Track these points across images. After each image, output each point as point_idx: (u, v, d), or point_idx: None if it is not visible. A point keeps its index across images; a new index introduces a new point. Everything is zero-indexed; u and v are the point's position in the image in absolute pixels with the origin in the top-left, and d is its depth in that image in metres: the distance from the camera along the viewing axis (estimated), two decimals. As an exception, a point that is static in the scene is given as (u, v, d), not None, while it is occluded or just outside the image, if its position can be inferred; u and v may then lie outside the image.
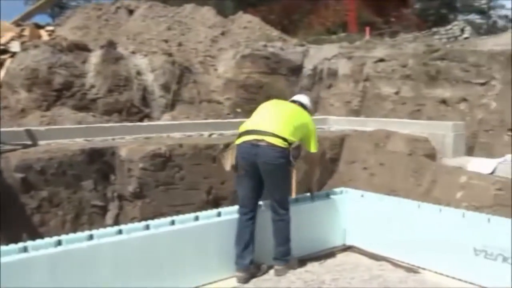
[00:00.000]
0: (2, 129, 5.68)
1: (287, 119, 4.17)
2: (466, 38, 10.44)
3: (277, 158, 3.96)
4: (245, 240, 4.09)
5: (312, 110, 4.73)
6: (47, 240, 3.46)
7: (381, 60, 9.20)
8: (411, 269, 4.42)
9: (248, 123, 4.21)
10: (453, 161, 6.28)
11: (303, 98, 4.67)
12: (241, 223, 4.13)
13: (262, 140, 3.96)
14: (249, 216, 4.14)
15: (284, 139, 4.01)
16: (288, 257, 4.29)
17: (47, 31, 9.79)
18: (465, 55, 7.85)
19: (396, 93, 8.74)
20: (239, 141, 4.10)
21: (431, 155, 6.44)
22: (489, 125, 7.25)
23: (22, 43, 8.47)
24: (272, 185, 4.14)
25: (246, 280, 4.05)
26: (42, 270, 3.28)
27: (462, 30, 10.90)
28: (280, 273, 4.20)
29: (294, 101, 4.57)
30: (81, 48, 8.29)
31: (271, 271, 4.29)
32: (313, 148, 4.40)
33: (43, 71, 7.60)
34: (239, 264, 4.07)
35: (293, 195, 4.35)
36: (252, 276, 4.12)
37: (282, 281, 4.10)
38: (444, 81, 8.01)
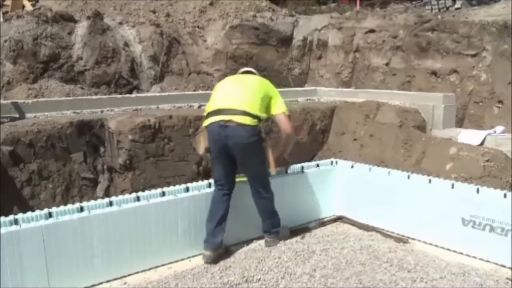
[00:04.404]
0: (-12, 102, 5.59)
1: (252, 92, 4.03)
2: (457, 8, 10.34)
3: (248, 137, 3.85)
4: (219, 217, 4.02)
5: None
6: (37, 212, 3.45)
7: (372, 31, 9.11)
8: (401, 239, 4.48)
9: (213, 103, 4.06)
10: (443, 132, 6.30)
11: (252, 69, 4.54)
12: (216, 198, 4.08)
13: (230, 121, 3.83)
14: (225, 191, 4.08)
15: (253, 116, 3.88)
16: (277, 229, 4.30)
17: (30, 1, 9.55)
18: (456, 26, 7.79)
19: (387, 64, 8.70)
20: (206, 122, 3.99)
21: (421, 127, 6.46)
22: (479, 97, 7.27)
23: (4, 13, 8.26)
24: (248, 164, 4.07)
25: (214, 260, 3.96)
26: (33, 243, 3.28)
27: (454, 1, 10.80)
28: (270, 244, 4.22)
29: (246, 72, 4.43)
30: (66, 19, 8.10)
31: (262, 241, 4.33)
32: (283, 109, 4.19)
33: (28, 43, 7.44)
34: (209, 242, 3.99)
35: (273, 171, 4.24)
36: (219, 257, 4.01)
37: (273, 251, 4.14)
38: (435, 53, 7.98)
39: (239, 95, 3.98)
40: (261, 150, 4.05)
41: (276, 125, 4.50)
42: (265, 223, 4.26)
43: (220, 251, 4.04)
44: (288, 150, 4.44)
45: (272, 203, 4.25)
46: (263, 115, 4.00)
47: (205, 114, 4.09)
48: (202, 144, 4.13)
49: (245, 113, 3.84)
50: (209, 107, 4.07)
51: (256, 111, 3.90)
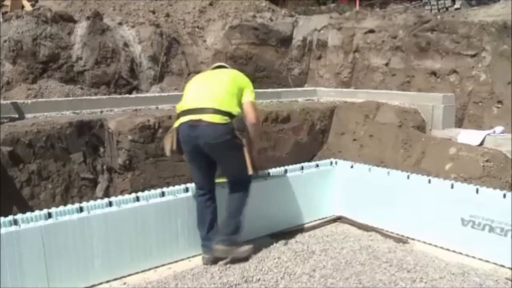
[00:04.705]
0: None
1: (222, 88, 3.86)
2: (457, 9, 10.34)
3: (219, 136, 3.68)
4: (208, 221, 3.94)
5: None
6: (37, 213, 3.45)
7: (371, 31, 9.12)
8: (400, 240, 4.48)
9: (183, 102, 3.91)
10: (443, 132, 6.31)
11: (224, 63, 4.42)
12: (201, 204, 3.98)
13: (199, 120, 3.67)
14: (207, 196, 3.97)
15: (224, 113, 3.70)
16: (234, 237, 3.93)
17: (29, 1, 9.55)
18: (455, 26, 7.79)
19: (386, 64, 8.70)
20: (177, 123, 3.82)
21: (421, 127, 6.46)
22: (479, 97, 7.27)
23: (4, 13, 8.26)
24: (224, 164, 3.92)
25: (213, 262, 3.91)
26: (33, 243, 3.27)
27: (453, 1, 10.80)
28: (219, 254, 3.88)
29: (218, 66, 4.30)
30: (66, 19, 8.09)
31: (262, 242, 4.33)
32: (250, 97, 3.95)
33: (28, 43, 7.43)
34: (206, 247, 3.93)
35: (250, 171, 3.85)
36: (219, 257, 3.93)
37: (273, 251, 4.14)
38: (434, 53, 7.98)
39: (208, 93, 3.83)
40: (236, 148, 3.77)
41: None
42: (224, 223, 3.96)
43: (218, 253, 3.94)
44: (253, 143, 4.03)
45: (243, 202, 3.98)
46: (236, 110, 3.80)
47: (176, 113, 3.96)
48: (169, 145, 3.91)
49: (215, 111, 3.68)
50: (180, 107, 3.93)
51: (227, 107, 3.73)
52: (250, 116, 3.91)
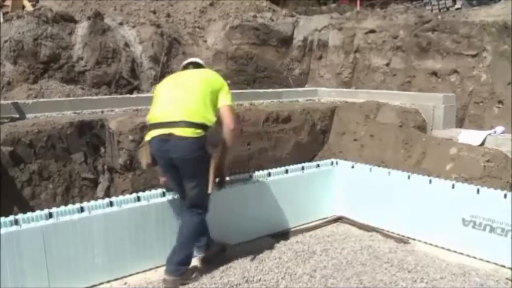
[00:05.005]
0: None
1: (195, 95, 3.55)
2: (458, 9, 10.35)
3: (191, 152, 3.44)
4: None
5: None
6: (38, 213, 3.46)
7: (372, 31, 9.11)
8: (401, 240, 4.49)
9: (154, 114, 3.64)
10: (443, 133, 6.30)
11: (197, 59, 4.15)
12: (184, 214, 3.78)
13: (170, 134, 3.43)
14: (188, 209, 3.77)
15: (197, 125, 3.43)
16: (181, 268, 3.66)
17: (30, 1, 9.56)
18: (456, 26, 7.79)
19: (387, 64, 8.70)
20: (148, 136, 3.61)
21: (422, 127, 6.46)
22: (480, 97, 7.26)
23: (4, 14, 8.27)
24: (188, 180, 3.63)
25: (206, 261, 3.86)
26: (34, 243, 3.28)
27: (454, 1, 10.80)
28: (167, 285, 3.61)
29: (190, 64, 4.02)
30: (67, 19, 8.09)
31: (263, 242, 4.33)
32: (226, 101, 3.67)
33: (29, 43, 7.43)
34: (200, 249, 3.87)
35: (210, 189, 3.61)
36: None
37: (274, 251, 4.14)
38: (435, 53, 7.97)
39: (179, 103, 3.53)
40: (204, 165, 3.53)
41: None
42: (172, 253, 3.69)
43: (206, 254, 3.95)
44: (229, 155, 3.79)
45: (197, 229, 3.75)
46: (210, 120, 3.52)
47: (148, 124, 3.73)
48: (144, 160, 3.70)
49: (186, 124, 3.41)
50: (150, 118, 3.67)
51: (199, 118, 3.45)
52: (227, 122, 3.62)
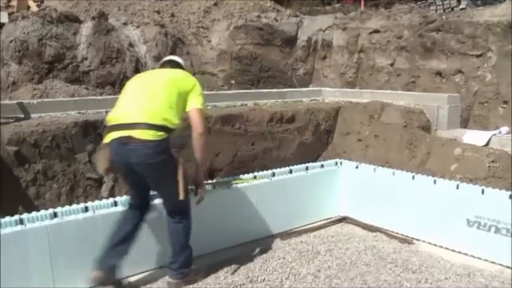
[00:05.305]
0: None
1: (160, 96, 3.31)
2: (462, 9, 10.32)
3: (153, 156, 3.18)
4: (123, 234, 3.45)
5: (187, 70, 3.85)
6: (43, 212, 3.46)
7: (376, 31, 9.10)
8: (405, 240, 4.48)
9: (115, 113, 3.37)
10: (448, 133, 6.29)
11: (176, 57, 3.94)
12: (123, 214, 3.56)
13: (130, 137, 3.16)
14: (135, 211, 3.57)
15: (159, 127, 3.18)
16: (184, 270, 3.57)
17: (35, 1, 9.58)
18: (461, 26, 7.77)
19: (391, 64, 8.68)
20: (107, 139, 3.33)
21: (426, 127, 6.45)
22: (484, 97, 7.24)
23: (10, 14, 8.29)
24: (157, 186, 3.46)
25: (101, 283, 3.38)
26: (39, 242, 3.29)
27: (459, 1, 10.77)
28: (171, 286, 3.57)
29: (167, 62, 3.81)
30: (71, 19, 8.12)
31: (267, 242, 4.32)
32: (197, 104, 3.42)
33: (34, 43, 7.46)
34: (101, 262, 3.38)
35: (181, 196, 3.31)
36: (108, 281, 3.39)
37: (278, 251, 4.14)
38: (440, 53, 7.96)
39: (141, 104, 3.28)
40: (170, 170, 3.28)
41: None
42: (171, 259, 3.58)
43: (110, 278, 3.41)
44: (202, 158, 3.52)
45: (186, 233, 3.56)
46: (174, 123, 3.27)
47: (107, 125, 3.48)
48: (101, 164, 3.49)
49: (147, 126, 3.16)
50: (110, 119, 3.39)
51: (161, 121, 3.20)
52: (196, 125, 3.38)
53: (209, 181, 4.35)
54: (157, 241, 3.86)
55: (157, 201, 3.73)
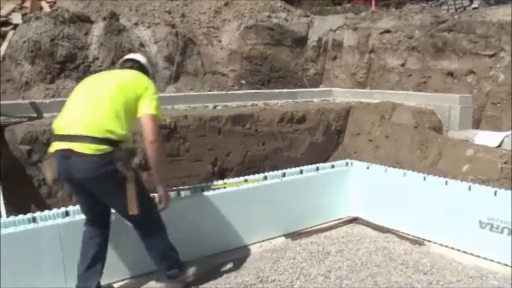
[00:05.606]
0: (7, 102, 5.67)
1: (105, 104, 2.98)
2: (475, 8, 10.25)
3: (94, 170, 2.88)
4: (90, 257, 3.21)
5: (152, 70, 3.57)
6: (55, 211, 3.49)
7: (387, 31, 9.07)
8: (417, 241, 4.44)
9: (58, 121, 3.06)
10: (460, 134, 6.24)
11: (139, 56, 3.58)
12: (86, 234, 3.27)
13: (70, 150, 2.87)
14: (95, 227, 3.27)
15: (103, 140, 2.88)
16: (173, 272, 3.38)
17: (48, 2, 9.66)
18: (473, 26, 7.71)
19: (402, 65, 8.65)
20: (51, 148, 3.04)
21: (437, 128, 6.41)
22: (497, 97, 7.18)
23: (23, 15, 8.37)
24: (106, 201, 3.14)
25: None
26: (51, 240, 3.31)
27: (471, 0, 10.70)
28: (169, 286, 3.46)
29: (126, 62, 3.46)
30: (83, 19, 8.18)
31: (277, 242, 4.32)
32: (149, 109, 3.06)
33: (46, 43, 7.53)
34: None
35: (134, 211, 2.98)
36: None
37: (288, 251, 4.13)
38: (451, 53, 7.91)
39: (84, 113, 2.97)
40: (118, 183, 2.95)
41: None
42: (159, 267, 3.38)
43: None
44: (157, 169, 3.18)
45: (163, 240, 3.30)
46: (119, 134, 2.95)
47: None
48: (48, 174, 3.11)
49: (88, 140, 2.87)
50: (54, 126, 3.09)
51: (105, 132, 2.90)
52: (146, 133, 3.05)
53: (220, 181, 4.36)
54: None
55: None
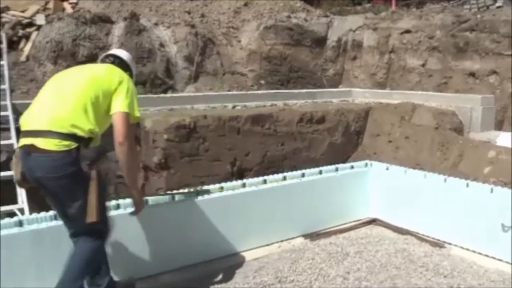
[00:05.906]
0: (30, 102, 5.76)
1: (73, 98, 2.73)
2: (498, 7, 10.09)
3: (56, 169, 2.61)
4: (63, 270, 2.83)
5: (133, 67, 3.32)
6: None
7: (407, 31, 8.99)
8: (437, 244, 4.39)
9: (25, 116, 2.81)
10: (481, 135, 6.16)
11: (121, 52, 3.36)
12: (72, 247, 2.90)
13: (32, 146, 2.62)
14: (71, 238, 2.90)
15: (67, 136, 2.62)
16: None
17: (70, 3, 9.81)
18: (496, 25, 7.60)
19: (423, 65, 8.56)
20: (19, 145, 2.79)
21: (458, 129, 6.34)
22: (520, 98, 7.08)
23: (47, 16, 8.52)
24: (65, 204, 2.76)
25: None
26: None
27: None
28: None
29: (107, 57, 3.27)
30: (104, 20, 8.30)
31: (295, 242, 4.31)
32: (121, 107, 2.82)
33: (68, 44, 7.65)
34: None
35: (93, 218, 2.66)
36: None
37: (307, 252, 4.13)
38: (473, 53, 7.81)
39: (49, 107, 2.73)
40: (80, 184, 2.67)
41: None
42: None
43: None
44: (127, 173, 2.96)
45: (85, 262, 2.84)
46: (86, 130, 2.68)
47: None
48: (15, 174, 2.81)
49: (51, 134, 2.62)
50: (21, 122, 2.84)
51: (70, 127, 2.64)
52: (116, 133, 2.80)
53: (239, 181, 4.37)
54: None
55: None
